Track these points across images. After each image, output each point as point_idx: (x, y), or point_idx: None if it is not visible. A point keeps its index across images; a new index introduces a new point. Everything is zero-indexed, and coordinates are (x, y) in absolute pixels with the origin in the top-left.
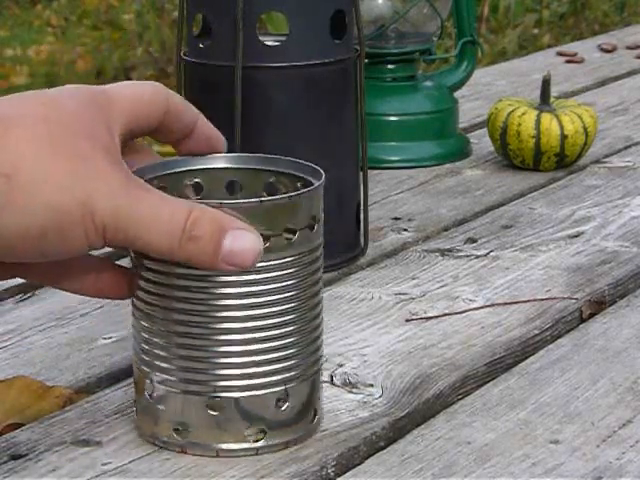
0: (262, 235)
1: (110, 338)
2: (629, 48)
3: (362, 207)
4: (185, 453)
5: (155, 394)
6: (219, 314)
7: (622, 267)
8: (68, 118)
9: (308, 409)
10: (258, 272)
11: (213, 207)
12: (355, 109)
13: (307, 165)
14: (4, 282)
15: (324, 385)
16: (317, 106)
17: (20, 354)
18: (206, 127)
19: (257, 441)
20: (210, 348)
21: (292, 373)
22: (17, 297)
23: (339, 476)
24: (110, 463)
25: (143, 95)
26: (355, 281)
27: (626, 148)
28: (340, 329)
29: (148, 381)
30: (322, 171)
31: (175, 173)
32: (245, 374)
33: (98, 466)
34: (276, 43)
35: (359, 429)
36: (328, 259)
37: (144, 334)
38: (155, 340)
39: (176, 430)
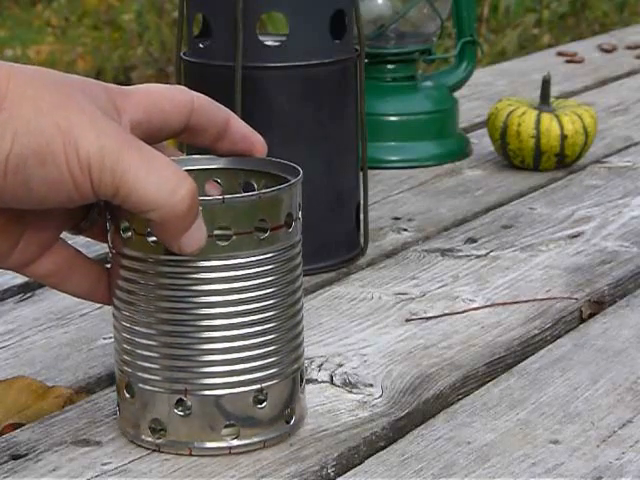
0: (232, 231)
1: (110, 338)
2: (629, 48)
3: (362, 207)
4: (160, 452)
5: (133, 393)
6: (199, 311)
7: (622, 267)
8: (69, 79)
9: (286, 409)
10: (238, 269)
11: None
12: (355, 109)
13: (287, 164)
14: (4, 282)
15: (324, 385)
16: (317, 106)
17: (20, 354)
18: (239, 126)
19: (231, 440)
20: (188, 346)
21: (270, 371)
22: (17, 297)
23: (339, 476)
24: (110, 463)
25: (164, 93)
26: (355, 281)
27: (626, 148)
28: (340, 329)
29: (127, 380)
30: (300, 170)
31: None
32: (222, 372)
33: (98, 466)
34: (276, 43)
35: (359, 429)
36: (328, 259)
37: (125, 334)
38: (136, 339)
39: (151, 429)
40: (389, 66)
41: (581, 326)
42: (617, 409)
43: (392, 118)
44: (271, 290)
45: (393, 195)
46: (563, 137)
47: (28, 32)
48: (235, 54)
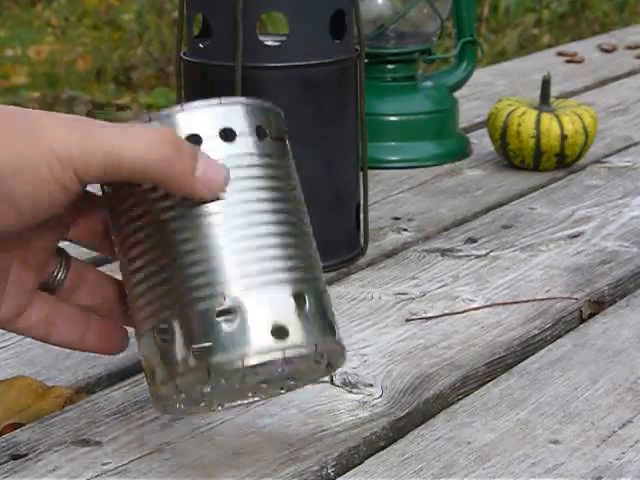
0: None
1: None
2: (629, 48)
3: (362, 207)
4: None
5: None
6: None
7: (622, 267)
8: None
9: (326, 319)
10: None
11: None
12: (355, 109)
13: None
14: None
15: (324, 385)
16: (317, 106)
17: (20, 354)
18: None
19: (283, 342)
20: (221, 251)
21: (306, 274)
22: None
23: (339, 476)
24: (110, 463)
25: None
26: (355, 281)
27: (626, 148)
28: (340, 329)
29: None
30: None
31: None
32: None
33: (98, 466)
34: (276, 43)
35: (359, 429)
36: (328, 259)
37: (156, 282)
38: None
39: (194, 352)
40: (389, 66)
41: (581, 326)
42: (617, 409)
43: (392, 118)
44: (279, 190)
45: (393, 195)
46: (563, 137)
47: (28, 32)
48: (235, 54)
